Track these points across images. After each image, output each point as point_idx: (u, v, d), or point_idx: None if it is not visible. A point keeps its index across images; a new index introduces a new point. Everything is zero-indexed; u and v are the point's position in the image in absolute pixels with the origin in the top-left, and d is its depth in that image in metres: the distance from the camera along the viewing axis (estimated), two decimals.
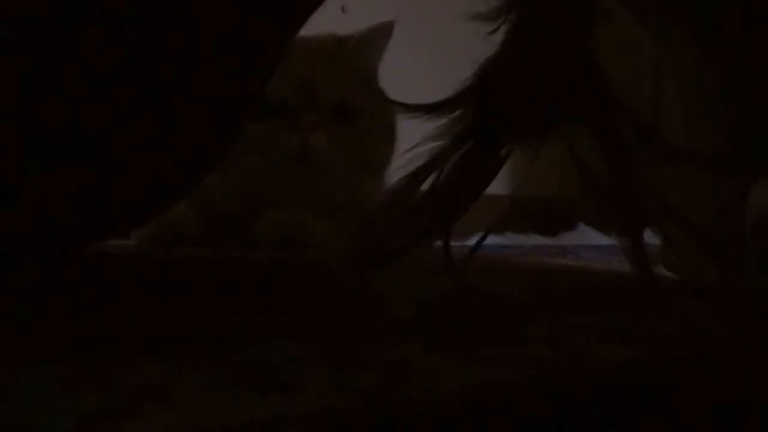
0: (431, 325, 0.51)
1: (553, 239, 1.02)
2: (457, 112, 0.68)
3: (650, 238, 0.69)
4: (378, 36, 1.04)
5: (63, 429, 0.31)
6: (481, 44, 0.69)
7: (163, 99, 0.59)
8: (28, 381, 0.36)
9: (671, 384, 0.40)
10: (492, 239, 0.93)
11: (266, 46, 0.64)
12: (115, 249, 0.84)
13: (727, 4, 0.68)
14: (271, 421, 0.32)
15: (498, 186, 0.78)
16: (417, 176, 0.70)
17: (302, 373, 0.39)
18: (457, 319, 0.53)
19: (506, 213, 0.96)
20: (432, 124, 0.70)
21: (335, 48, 1.03)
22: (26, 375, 0.37)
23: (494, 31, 0.67)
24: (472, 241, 0.74)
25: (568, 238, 1.01)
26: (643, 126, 0.67)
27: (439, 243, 0.69)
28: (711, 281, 0.70)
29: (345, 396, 0.35)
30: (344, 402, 0.35)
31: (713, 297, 0.65)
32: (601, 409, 0.37)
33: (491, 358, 0.42)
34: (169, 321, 0.50)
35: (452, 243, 0.69)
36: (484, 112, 0.68)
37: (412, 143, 0.69)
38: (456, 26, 0.73)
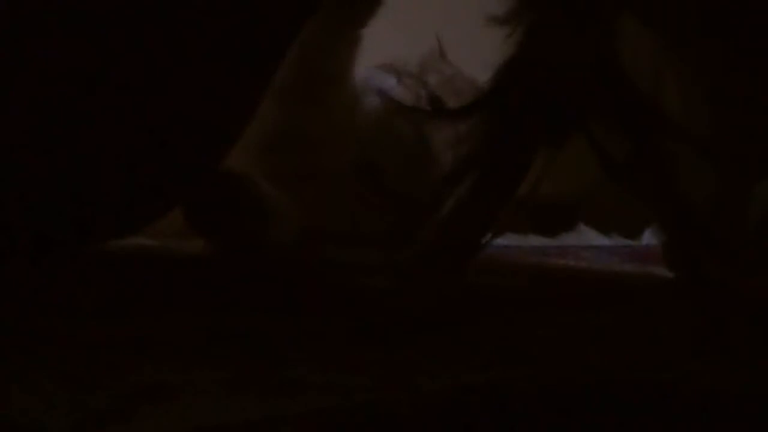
0: (431, 325, 0.51)
1: (553, 239, 1.02)
2: (478, 116, 0.68)
3: (651, 238, 0.69)
4: None
5: (63, 429, 0.31)
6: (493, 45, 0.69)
7: (163, 99, 0.59)
8: (28, 381, 0.36)
9: (671, 384, 0.40)
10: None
11: (267, 45, 0.64)
12: (115, 249, 0.84)
13: (729, 4, 0.68)
14: (271, 421, 0.32)
15: None
16: (446, 184, 0.70)
17: (302, 373, 0.39)
18: (457, 319, 0.53)
19: (506, 213, 0.95)
20: (454, 130, 0.71)
21: None
22: (26, 375, 0.37)
23: (511, 34, 0.67)
24: None
25: (568, 238, 1.01)
26: (669, 122, 0.67)
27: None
28: (712, 281, 0.70)
29: (345, 396, 0.35)
30: (344, 402, 0.35)
31: (713, 297, 0.65)
32: (602, 409, 0.37)
33: (491, 358, 0.42)
34: (170, 321, 0.50)
35: None
36: (507, 115, 0.68)
37: None
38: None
